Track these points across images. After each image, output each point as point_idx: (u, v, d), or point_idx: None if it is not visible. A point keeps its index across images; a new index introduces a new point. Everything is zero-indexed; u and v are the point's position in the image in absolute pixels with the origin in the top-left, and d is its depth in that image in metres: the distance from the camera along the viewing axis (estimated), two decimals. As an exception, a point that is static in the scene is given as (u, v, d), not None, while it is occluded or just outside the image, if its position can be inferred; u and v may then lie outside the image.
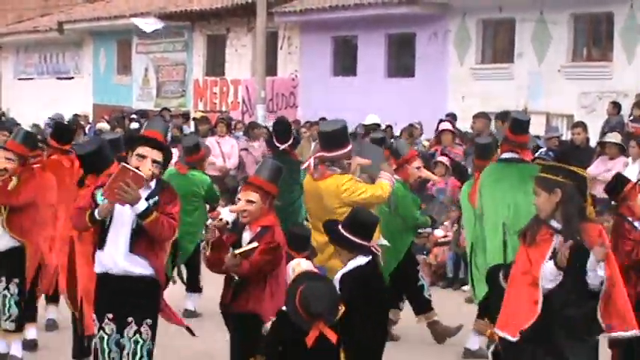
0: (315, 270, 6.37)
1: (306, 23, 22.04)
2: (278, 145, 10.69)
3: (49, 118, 18.94)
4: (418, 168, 9.23)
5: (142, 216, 5.94)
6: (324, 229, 6.60)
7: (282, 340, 5.86)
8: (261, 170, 6.73)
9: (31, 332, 8.71)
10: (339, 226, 6.30)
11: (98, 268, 6.27)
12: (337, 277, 6.16)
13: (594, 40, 17.34)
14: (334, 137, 8.03)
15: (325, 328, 5.72)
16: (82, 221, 6.24)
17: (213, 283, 10.14)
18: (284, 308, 5.93)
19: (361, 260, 6.17)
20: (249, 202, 6.41)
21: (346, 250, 6.20)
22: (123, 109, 24.10)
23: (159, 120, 10.41)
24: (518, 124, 8.05)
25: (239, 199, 6.92)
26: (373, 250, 6.27)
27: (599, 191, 12.55)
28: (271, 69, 22.31)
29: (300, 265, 6.32)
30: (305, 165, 8.76)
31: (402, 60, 20.31)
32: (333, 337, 5.71)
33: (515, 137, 7.88)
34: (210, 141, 16.10)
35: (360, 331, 6.01)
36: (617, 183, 7.87)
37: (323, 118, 18.16)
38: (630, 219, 7.51)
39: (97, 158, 7.16)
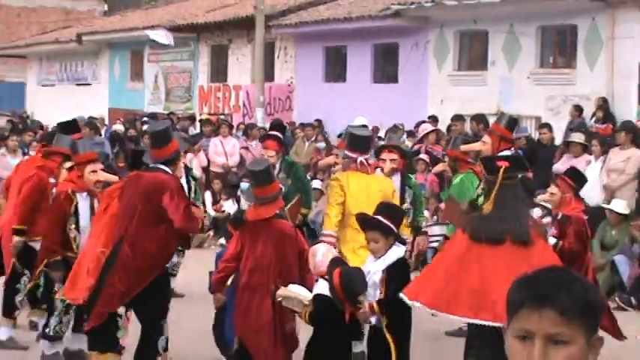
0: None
1: (300, 35, 21.97)
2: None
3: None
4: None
5: None
6: (359, 220, 6.29)
7: (323, 317, 5.85)
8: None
9: None
10: (374, 216, 6.10)
11: None
12: (378, 267, 5.87)
13: (559, 49, 17.23)
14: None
15: (352, 306, 5.70)
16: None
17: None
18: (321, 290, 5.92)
19: (399, 252, 5.93)
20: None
21: (384, 236, 5.87)
22: (135, 112, 24.17)
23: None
24: (511, 120, 8.22)
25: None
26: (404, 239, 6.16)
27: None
28: (269, 76, 22.16)
29: (331, 251, 6.22)
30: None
31: (386, 68, 20.19)
32: (357, 311, 5.69)
33: (506, 133, 7.93)
34: (214, 141, 16.37)
35: (404, 316, 5.89)
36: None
37: (317, 120, 18.75)
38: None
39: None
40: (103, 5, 42.71)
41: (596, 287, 2.03)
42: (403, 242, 5.99)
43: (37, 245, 7.72)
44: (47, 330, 7.60)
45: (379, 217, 5.92)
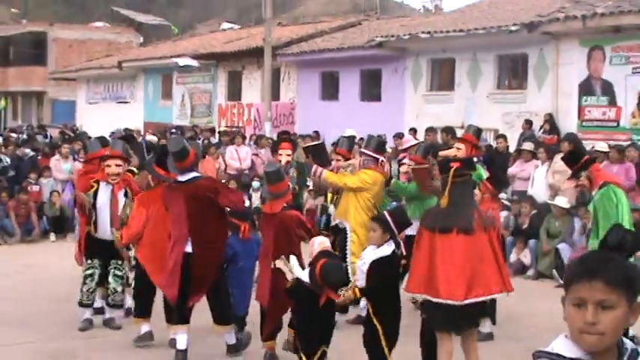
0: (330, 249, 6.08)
1: (301, 62, 21.98)
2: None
3: (111, 132, 19.14)
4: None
5: None
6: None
7: (298, 296, 5.73)
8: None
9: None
10: (386, 212, 5.91)
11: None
12: (367, 260, 5.55)
13: (513, 74, 17.09)
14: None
15: (332, 293, 5.47)
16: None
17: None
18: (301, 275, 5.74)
19: (388, 250, 5.50)
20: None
21: (381, 229, 5.52)
22: (165, 125, 23.86)
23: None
24: (476, 129, 8.02)
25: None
26: (399, 240, 5.64)
27: (517, 186, 12.86)
28: (275, 95, 22.05)
29: (324, 243, 5.92)
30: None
31: (371, 89, 20.00)
32: (336, 297, 5.48)
33: (475, 141, 7.86)
34: (229, 149, 16.38)
35: (390, 304, 5.58)
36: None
37: (315, 131, 18.55)
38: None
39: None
40: (139, 38, 42.85)
41: (634, 265, 2.12)
42: (398, 244, 5.53)
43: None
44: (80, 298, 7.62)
45: (387, 214, 5.71)
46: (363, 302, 6.22)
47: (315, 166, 7.70)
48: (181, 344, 6.45)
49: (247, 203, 13.13)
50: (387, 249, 5.46)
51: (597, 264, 2.07)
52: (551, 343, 2.05)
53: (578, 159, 6.95)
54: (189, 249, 6.45)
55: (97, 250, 7.55)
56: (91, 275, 7.53)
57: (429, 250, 5.51)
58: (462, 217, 5.52)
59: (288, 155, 8.96)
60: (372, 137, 8.43)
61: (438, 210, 5.71)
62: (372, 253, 5.49)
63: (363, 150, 8.07)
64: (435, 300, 5.38)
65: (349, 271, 6.84)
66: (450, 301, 5.32)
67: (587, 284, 2.03)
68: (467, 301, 5.35)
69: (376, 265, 5.41)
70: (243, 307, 7.12)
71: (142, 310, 7.11)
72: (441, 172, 5.87)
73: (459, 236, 5.45)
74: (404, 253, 5.63)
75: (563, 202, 10.99)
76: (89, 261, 7.58)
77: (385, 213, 5.79)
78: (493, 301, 6.63)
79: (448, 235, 5.47)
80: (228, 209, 6.67)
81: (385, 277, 5.44)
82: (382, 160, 7.95)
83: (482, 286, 5.42)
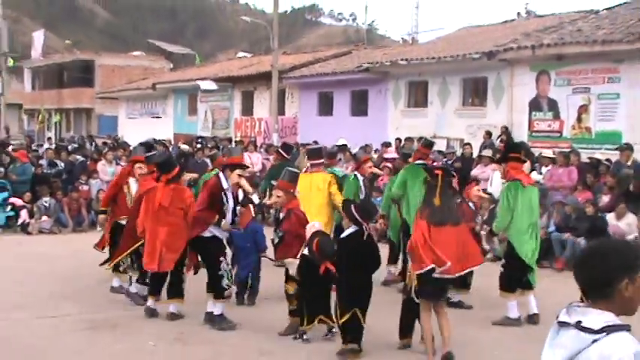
0: (323, 229, 6.30)
1: (302, 84, 22.02)
2: (285, 156, 11.29)
3: (140, 142, 19.00)
4: (370, 167, 9.03)
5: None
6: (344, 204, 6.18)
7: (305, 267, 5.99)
8: (283, 176, 6.89)
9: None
10: (352, 205, 5.95)
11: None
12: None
13: (475, 93, 17.04)
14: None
15: (328, 264, 5.75)
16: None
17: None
18: (305, 252, 6.04)
19: (351, 230, 5.80)
20: (278, 196, 6.75)
21: (346, 217, 5.86)
22: (191, 136, 23.66)
23: (238, 149, 9.40)
24: (428, 142, 8.38)
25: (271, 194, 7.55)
26: (364, 225, 5.77)
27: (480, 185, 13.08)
28: (281, 111, 22.10)
29: (314, 226, 6.16)
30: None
31: (360, 106, 20.06)
32: (332, 268, 5.75)
33: (425, 150, 8.15)
34: (244, 155, 16.14)
35: (348, 269, 5.74)
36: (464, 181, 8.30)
37: (314, 141, 18.19)
38: (467, 200, 7.94)
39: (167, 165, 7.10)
40: (170, 64, 42.86)
41: None
42: (361, 227, 5.69)
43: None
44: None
45: (352, 207, 5.83)
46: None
47: (312, 234, 6.50)
48: (218, 310, 6.61)
49: (258, 200, 13.24)
50: (350, 230, 5.79)
51: None
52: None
53: (507, 152, 7.00)
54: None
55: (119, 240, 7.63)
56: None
57: (429, 237, 5.55)
58: (452, 214, 5.68)
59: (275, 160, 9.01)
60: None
61: (435, 207, 5.65)
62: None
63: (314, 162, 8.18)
64: (436, 272, 5.47)
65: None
66: (446, 275, 5.51)
67: None
68: (457, 274, 5.64)
69: (344, 240, 5.83)
70: (244, 275, 7.46)
71: (152, 290, 7.14)
72: (430, 177, 5.89)
73: (451, 228, 5.59)
74: (367, 234, 5.81)
75: (496, 192, 11.07)
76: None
77: (352, 206, 5.88)
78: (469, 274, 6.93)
79: (443, 227, 5.57)
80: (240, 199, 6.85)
81: (350, 248, 5.74)
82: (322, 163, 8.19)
83: (470, 262, 5.72)
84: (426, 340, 5.63)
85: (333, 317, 5.92)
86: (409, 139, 15.77)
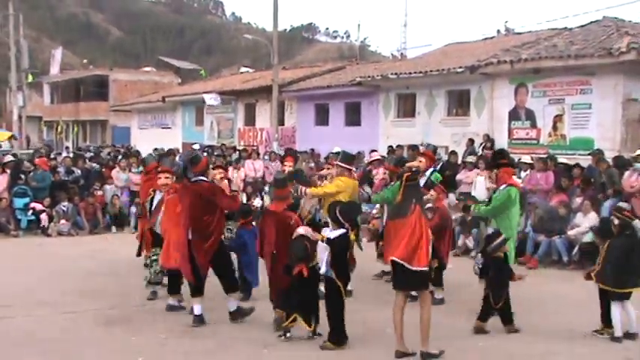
0: (308, 234, 5.91)
1: (300, 97, 21.89)
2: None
3: (154, 148, 18.76)
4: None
5: None
6: (330, 207, 6.07)
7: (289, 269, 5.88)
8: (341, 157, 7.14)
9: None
10: (337, 208, 5.92)
11: None
12: (326, 236, 5.79)
13: (459, 104, 17.00)
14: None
15: (303, 267, 5.70)
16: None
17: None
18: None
19: (338, 232, 5.76)
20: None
21: (332, 221, 5.88)
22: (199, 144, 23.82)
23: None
24: (434, 148, 8.26)
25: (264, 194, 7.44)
26: (346, 226, 5.81)
27: (463, 188, 12.62)
28: (281, 122, 21.96)
29: (298, 231, 5.95)
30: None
31: (353, 116, 19.97)
32: (306, 271, 5.71)
33: (432, 156, 7.93)
34: (247, 162, 16.06)
35: (339, 269, 5.75)
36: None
37: (311, 149, 18.43)
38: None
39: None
40: (178, 79, 42.80)
41: None
42: (346, 229, 5.72)
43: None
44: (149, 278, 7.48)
45: (337, 209, 5.83)
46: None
47: (300, 187, 7.33)
48: (197, 311, 6.45)
49: (260, 203, 13.06)
50: (336, 232, 5.74)
51: None
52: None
53: (497, 158, 6.75)
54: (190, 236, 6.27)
55: (158, 242, 7.23)
56: (157, 260, 7.31)
57: (392, 233, 5.57)
58: (404, 208, 5.53)
59: (291, 166, 8.92)
60: (344, 153, 8.25)
61: (395, 204, 5.70)
62: (329, 234, 5.81)
63: (337, 162, 7.86)
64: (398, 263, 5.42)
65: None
66: (407, 266, 5.36)
67: None
68: (414, 268, 5.36)
69: (333, 242, 5.73)
70: (255, 282, 7.26)
71: (172, 289, 7.07)
72: (397, 179, 5.91)
73: (403, 219, 5.48)
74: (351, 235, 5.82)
75: (481, 196, 10.85)
76: (153, 249, 7.36)
77: (336, 209, 5.85)
78: (440, 271, 6.99)
79: (397, 221, 5.53)
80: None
81: (337, 248, 5.71)
82: (352, 170, 7.84)
83: (416, 262, 5.38)
84: (394, 329, 5.50)
85: (311, 323, 5.83)
86: (399, 147, 15.92)
